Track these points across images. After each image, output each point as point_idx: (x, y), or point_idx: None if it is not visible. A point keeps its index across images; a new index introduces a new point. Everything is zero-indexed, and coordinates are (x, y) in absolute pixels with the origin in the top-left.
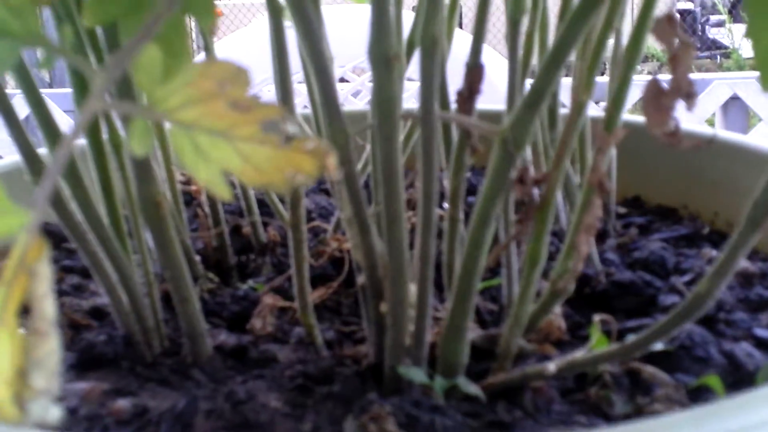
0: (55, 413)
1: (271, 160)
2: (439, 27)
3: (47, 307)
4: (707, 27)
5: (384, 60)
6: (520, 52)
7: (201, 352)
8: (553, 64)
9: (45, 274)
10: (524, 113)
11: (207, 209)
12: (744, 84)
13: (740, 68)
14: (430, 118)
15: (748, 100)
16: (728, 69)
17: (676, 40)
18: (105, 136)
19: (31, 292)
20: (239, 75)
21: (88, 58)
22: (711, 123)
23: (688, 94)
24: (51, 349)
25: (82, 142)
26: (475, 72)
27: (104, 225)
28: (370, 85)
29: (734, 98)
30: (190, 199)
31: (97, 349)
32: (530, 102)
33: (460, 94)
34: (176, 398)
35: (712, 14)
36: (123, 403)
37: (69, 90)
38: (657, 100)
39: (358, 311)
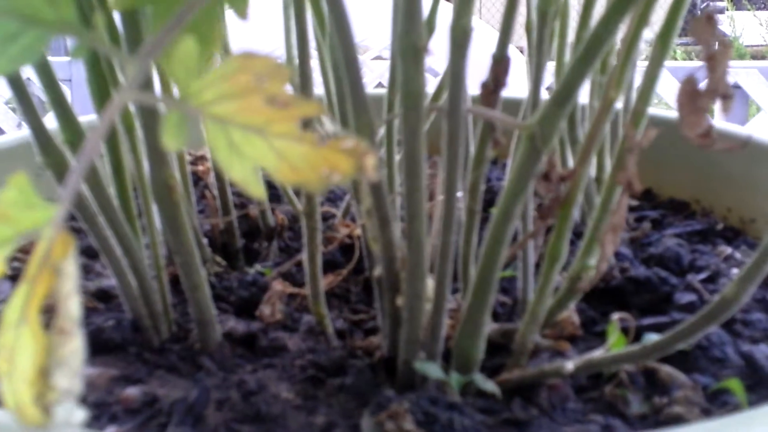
0: (79, 415)
1: (307, 159)
2: (470, 19)
3: (72, 305)
4: None
5: (413, 50)
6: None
7: (210, 339)
8: (585, 60)
9: (71, 272)
10: (553, 109)
11: (215, 191)
12: (745, 73)
13: (741, 57)
14: (458, 112)
15: (749, 89)
16: None
17: (714, 40)
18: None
19: (56, 290)
20: (278, 70)
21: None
22: (711, 112)
23: (725, 95)
24: (75, 348)
25: (92, 119)
26: (501, 64)
27: (114, 207)
28: (372, 63)
29: (734, 87)
30: (197, 179)
31: (104, 334)
32: (559, 98)
33: (485, 86)
34: (186, 387)
35: (713, 0)
36: (132, 391)
37: (65, 59)
38: (693, 101)
39: (368, 299)
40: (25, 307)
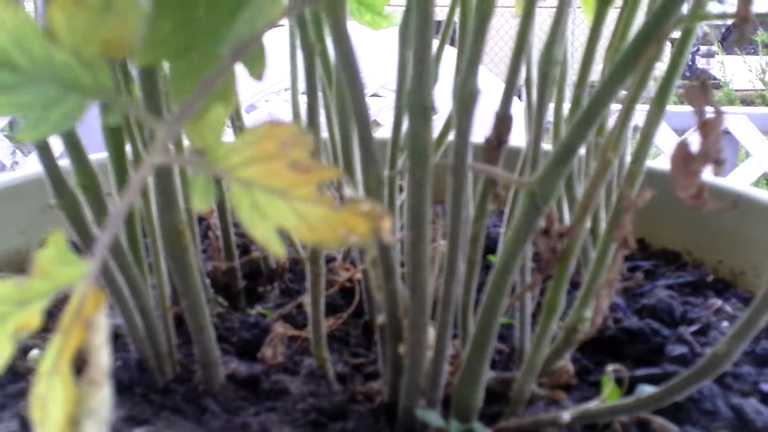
0: None
1: (326, 220)
2: (477, 82)
3: (103, 357)
4: (697, 57)
5: (421, 109)
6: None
7: (214, 381)
8: (585, 123)
9: (102, 325)
10: (553, 169)
11: (218, 232)
12: (734, 118)
13: (730, 102)
14: (463, 168)
15: (738, 135)
16: (718, 102)
17: (708, 107)
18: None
19: (88, 342)
20: (300, 137)
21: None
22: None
23: (717, 161)
24: (103, 398)
25: (104, 156)
26: (504, 122)
27: (124, 251)
28: (368, 101)
29: (724, 132)
30: (199, 219)
31: (113, 374)
32: (560, 158)
33: (488, 142)
34: (191, 428)
35: (703, 44)
36: None
37: None
38: (685, 164)
39: (367, 342)
40: (57, 359)
